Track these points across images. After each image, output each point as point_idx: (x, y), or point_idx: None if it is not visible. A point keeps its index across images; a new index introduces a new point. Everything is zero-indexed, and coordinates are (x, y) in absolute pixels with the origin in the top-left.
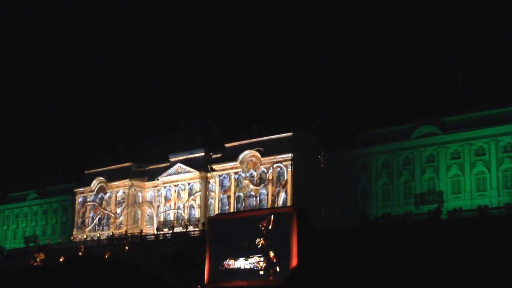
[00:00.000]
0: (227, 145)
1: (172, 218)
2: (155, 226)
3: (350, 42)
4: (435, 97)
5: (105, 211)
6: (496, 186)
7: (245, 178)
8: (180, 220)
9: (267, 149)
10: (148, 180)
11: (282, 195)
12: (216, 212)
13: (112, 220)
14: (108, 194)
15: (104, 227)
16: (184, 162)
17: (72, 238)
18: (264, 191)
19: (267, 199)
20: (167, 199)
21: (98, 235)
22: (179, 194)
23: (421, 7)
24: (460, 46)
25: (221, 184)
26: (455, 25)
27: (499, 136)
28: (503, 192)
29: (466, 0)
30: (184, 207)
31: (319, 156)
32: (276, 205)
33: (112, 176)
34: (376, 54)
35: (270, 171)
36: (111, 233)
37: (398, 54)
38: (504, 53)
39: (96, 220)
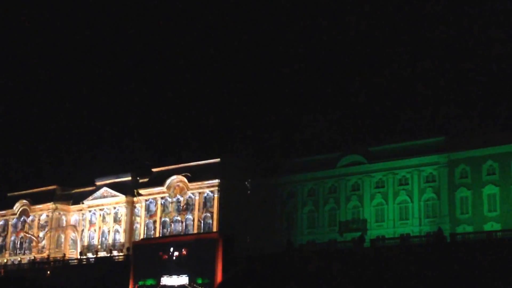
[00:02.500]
0: (154, 169)
1: (96, 243)
2: (79, 250)
3: (276, 71)
4: (360, 127)
5: (27, 235)
6: (418, 215)
7: (172, 203)
8: (105, 245)
9: (195, 175)
10: (73, 204)
11: (208, 221)
12: (142, 237)
13: (34, 244)
14: (31, 217)
15: (26, 251)
16: (110, 186)
17: None
18: (190, 216)
19: (193, 225)
20: (91, 223)
21: (19, 259)
22: (104, 218)
23: (346, 35)
24: (385, 78)
25: (147, 209)
26: (381, 56)
27: (421, 167)
28: (425, 221)
29: (396, 29)
30: (109, 231)
31: (246, 183)
32: (202, 231)
33: (36, 199)
34: (304, 83)
35: (197, 197)
36: (33, 257)
37: (325, 84)
38: (428, 84)
39: (17, 244)
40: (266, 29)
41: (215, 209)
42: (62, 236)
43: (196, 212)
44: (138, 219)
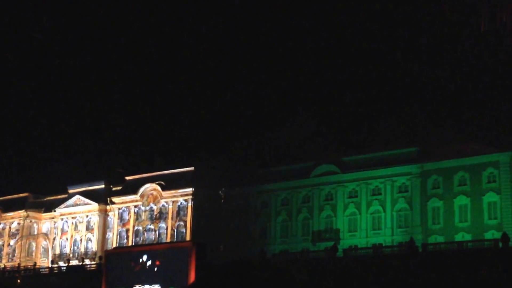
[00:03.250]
0: (127, 177)
1: (68, 251)
2: (50, 259)
3: (251, 80)
4: (334, 137)
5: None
6: (390, 225)
7: (145, 211)
8: (77, 253)
9: (169, 183)
10: (45, 212)
11: (181, 230)
12: (114, 245)
13: (4, 252)
14: (1, 225)
15: None
16: (83, 194)
17: None
18: (163, 225)
19: (167, 233)
20: (63, 231)
21: None
22: (76, 226)
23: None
24: (358, 88)
25: (120, 217)
26: (355, 66)
27: (394, 177)
28: (397, 231)
29: (368, 39)
30: (81, 239)
31: (220, 192)
32: (175, 240)
33: (7, 207)
34: (279, 93)
35: (170, 205)
36: (3, 266)
37: (300, 94)
38: (402, 95)
39: None
40: (240, 39)
41: (188, 218)
42: (33, 244)
43: (169, 220)
44: (110, 227)
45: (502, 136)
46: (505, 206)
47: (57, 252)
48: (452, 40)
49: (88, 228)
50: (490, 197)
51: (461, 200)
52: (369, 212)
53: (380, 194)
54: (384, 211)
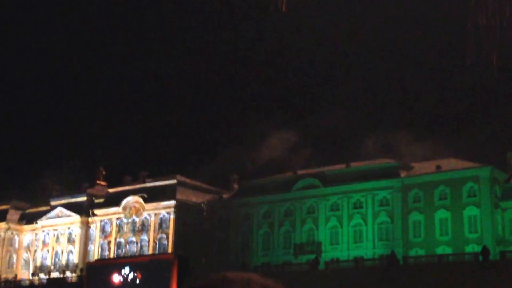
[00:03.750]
0: (110, 190)
1: (49, 263)
2: (31, 271)
3: (233, 90)
4: (316, 150)
5: None
6: (372, 238)
7: (127, 223)
8: (58, 265)
9: (151, 196)
10: (27, 224)
11: (163, 242)
12: (96, 257)
13: None
14: None
15: None
16: (65, 206)
17: None
18: (145, 237)
19: (149, 246)
20: (45, 243)
21: None
22: (58, 238)
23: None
24: (341, 102)
25: (102, 229)
26: (336, 79)
27: (375, 190)
28: (378, 244)
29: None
30: (62, 252)
31: (202, 204)
32: (157, 252)
33: None
34: (262, 104)
35: (152, 218)
36: None
37: (282, 107)
38: (383, 109)
39: None
40: (221, 50)
41: (170, 230)
42: (14, 256)
43: (151, 233)
44: (92, 239)
45: (482, 151)
46: (485, 220)
47: (38, 264)
48: (435, 59)
49: (70, 240)
50: (470, 211)
51: (442, 214)
52: (350, 225)
53: (362, 207)
54: (366, 224)
